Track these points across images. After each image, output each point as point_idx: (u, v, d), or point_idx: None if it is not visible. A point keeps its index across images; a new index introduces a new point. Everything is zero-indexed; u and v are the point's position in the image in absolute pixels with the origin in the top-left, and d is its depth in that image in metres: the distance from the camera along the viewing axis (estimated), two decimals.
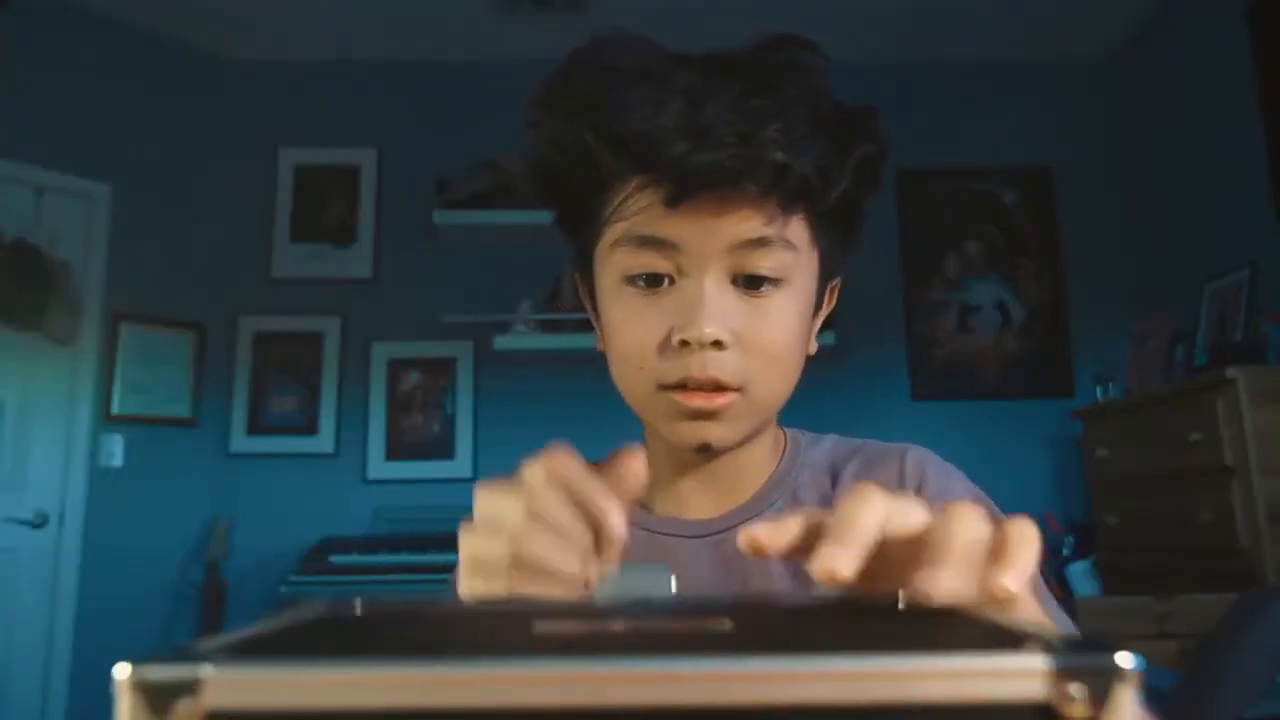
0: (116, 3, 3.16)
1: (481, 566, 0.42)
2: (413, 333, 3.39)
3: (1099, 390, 3.08)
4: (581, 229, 0.65)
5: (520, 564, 0.41)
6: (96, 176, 3.13)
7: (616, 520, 0.42)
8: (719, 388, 0.59)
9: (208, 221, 3.39)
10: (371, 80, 3.57)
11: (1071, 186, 3.57)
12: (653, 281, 0.60)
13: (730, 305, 0.58)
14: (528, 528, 0.42)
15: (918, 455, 0.71)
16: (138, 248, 3.20)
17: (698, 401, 0.59)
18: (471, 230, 3.32)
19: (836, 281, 0.71)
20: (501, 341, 3.19)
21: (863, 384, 3.38)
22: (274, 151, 3.51)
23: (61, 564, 2.94)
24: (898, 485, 0.68)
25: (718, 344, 0.57)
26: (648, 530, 0.68)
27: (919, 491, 0.68)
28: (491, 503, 0.43)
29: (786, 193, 0.57)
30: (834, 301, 0.72)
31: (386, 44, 3.49)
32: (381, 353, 3.39)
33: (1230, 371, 2.31)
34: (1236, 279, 2.78)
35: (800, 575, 0.66)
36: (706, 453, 0.63)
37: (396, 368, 3.39)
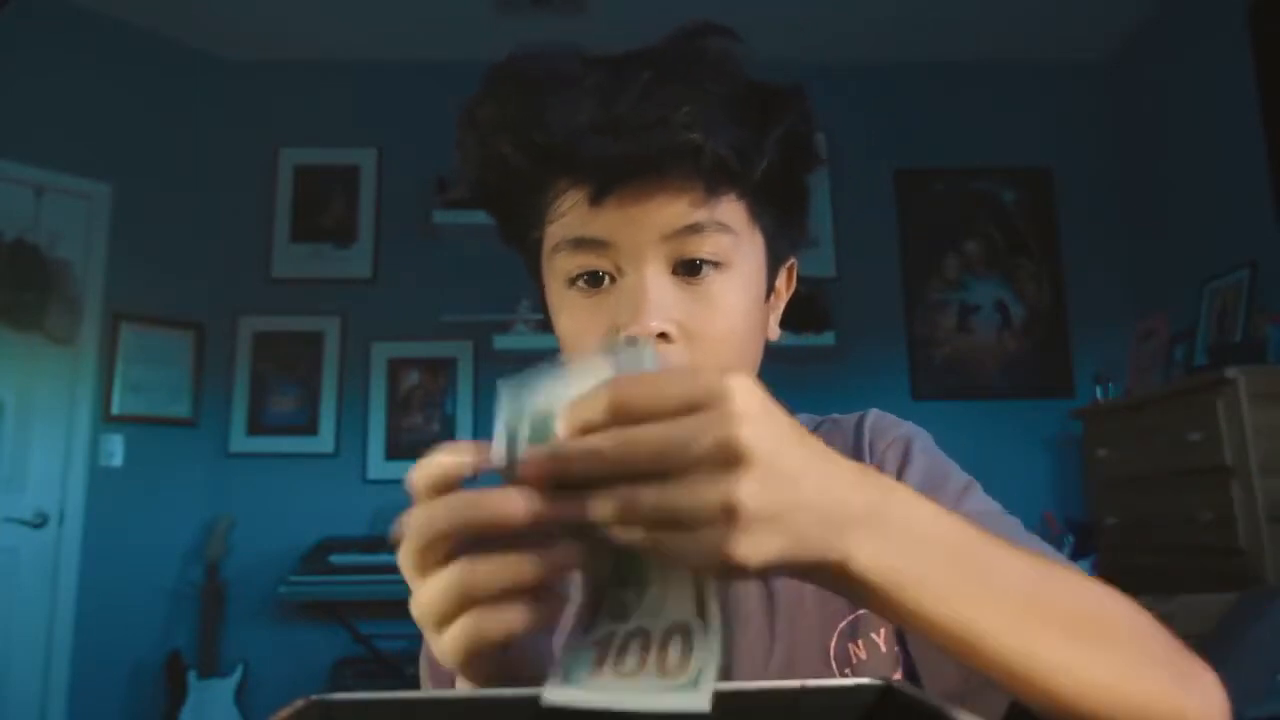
0: (116, 3, 3.16)
1: (472, 646, 0.38)
2: (412, 332, 3.39)
3: (1099, 390, 3.08)
4: (524, 239, 0.65)
5: (477, 598, 0.38)
6: (96, 176, 3.13)
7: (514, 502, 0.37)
8: None
9: (208, 221, 3.39)
10: (371, 80, 3.57)
11: (1071, 186, 3.57)
12: (593, 281, 0.60)
13: (672, 296, 0.58)
14: (464, 568, 0.38)
15: (876, 421, 0.71)
16: (137, 248, 3.20)
17: None
18: (471, 230, 3.32)
19: (792, 264, 0.70)
20: (501, 341, 3.19)
21: (863, 384, 3.38)
22: (274, 151, 3.51)
23: (61, 564, 2.94)
24: (852, 448, 0.69)
25: (663, 336, 0.57)
26: None
27: (872, 452, 0.68)
28: (404, 561, 0.40)
29: (706, 174, 0.56)
30: (793, 285, 0.71)
31: (386, 44, 3.49)
32: (381, 352, 3.39)
33: (1230, 371, 2.31)
34: (1236, 279, 2.78)
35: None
36: None
37: (396, 367, 3.39)
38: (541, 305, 0.69)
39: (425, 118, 3.53)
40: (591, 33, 3.32)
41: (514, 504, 0.36)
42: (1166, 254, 3.29)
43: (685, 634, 0.36)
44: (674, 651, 0.35)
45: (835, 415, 0.74)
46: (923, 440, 0.70)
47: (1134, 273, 3.48)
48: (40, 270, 2.99)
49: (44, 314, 2.98)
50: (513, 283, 3.26)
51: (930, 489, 0.64)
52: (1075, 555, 3.04)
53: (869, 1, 3.26)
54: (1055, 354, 3.46)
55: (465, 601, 0.38)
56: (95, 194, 3.14)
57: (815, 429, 0.72)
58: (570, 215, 0.59)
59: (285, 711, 0.32)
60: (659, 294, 0.57)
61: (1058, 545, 3.12)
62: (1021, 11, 3.32)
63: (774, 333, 0.68)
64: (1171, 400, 2.58)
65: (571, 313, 0.61)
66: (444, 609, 0.38)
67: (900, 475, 0.66)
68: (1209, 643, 1.95)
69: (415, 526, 0.39)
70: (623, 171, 0.55)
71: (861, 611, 0.64)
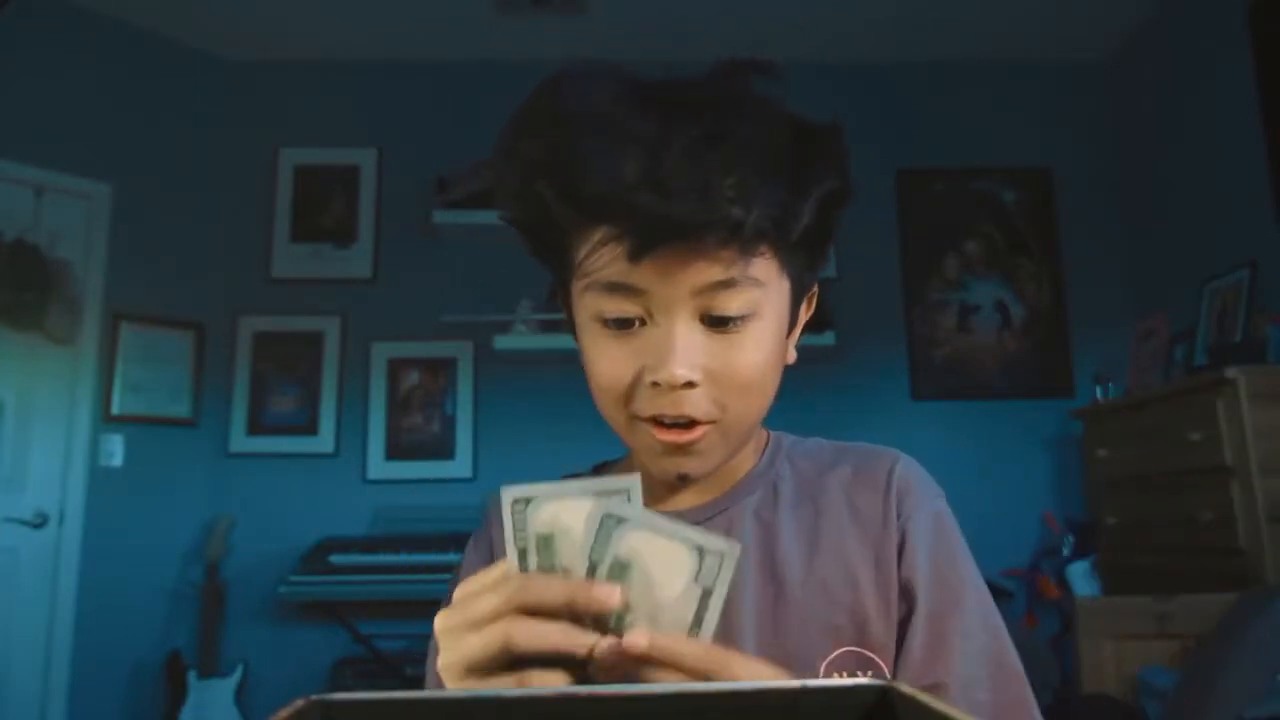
0: (116, 3, 3.16)
1: (475, 667, 0.45)
2: (412, 333, 3.39)
3: (1099, 390, 3.09)
4: (555, 262, 0.66)
5: (514, 653, 0.44)
6: (96, 176, 3.13)
7: (605, 593, 0.44)
8: (693, 423, 0.61)
9: (208, 221, 3.39)
10: (371, 80, 3.57)
11: (1071, 186, 3.57)
12: (623, 324, 0.61)
13: (700, 344, 0.60)
14: (515, 617, 0.44)
15: (906, 471, 0.71)
16: (137, 248, 3.20)
17: (671, 437, 0.61)
18: (471, 230, 3.32)
19: (814, 290, 0.71)
20: (502, 341, 3.19)
21: (863, 384, 3.38)
22: (274, 151, 3.51)
23: (61, 564, 2.94)
24: (883, 495, 0.69)
25: (689, 384, 0.59)
26: None
27: (900, 507, 0.69)
28: (471, 597, 0.46)
29: (744, 243, 0.57)
30: (812, 308, 0.72)
31: (386, 44, 3.49)
32: (381, 353, 3.39)
33: (1230, 371, 2.31)
34: (1236, 279, 2.78)
35: (775, 563, 0.68)
36: (684, 482, 0.65)
37: (396, 368, 3.39)
38: (567, 319, 0.69)
39: (425, 118, 3.54)
40: (591, 33, 3.33)
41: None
42: (1166, 254, 3.29)
43: None
44: None
45: (856, 446, 0.74)
46: (949, 519, 0.70)
47: (1134, 273, 3.48)
48: (40, 270, 2.99)
49: (44, 314, 2.99)
50: (513, 283, 3.26)
51: (934, 581, 0.66)
52: (1075, 555, 3.05)
53: (869, 1, 3.26)
54: (1055, 354, 3.46)
55: (508, 655, 0.44)
56: (95, 194, 3.14)
57: (837, 460, 0.73)
58: (606, 262, 0.59)
59: (285, 711, 0.32)
60: (687, 344, 0.59)
61: (1058, 545, 3.12)
62: (1021, 11, 3.32)
63: (791, 356, 0.69)
64: (1171, 400, 2.58)
65: (601, 350, 0.62)
66: (486, 661, 0.45)
67: (917, 544, 0.67)
68: (1209, 643, 1.95)
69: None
70: (665, 234, 0.56)
71: (848, 650, 0.65)
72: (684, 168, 0.55)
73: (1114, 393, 3.06)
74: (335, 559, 2.90)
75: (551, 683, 0.44)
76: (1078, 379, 3.40)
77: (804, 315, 0.71)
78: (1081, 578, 2.94)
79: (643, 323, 0.60)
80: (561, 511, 0.46)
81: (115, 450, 3.10)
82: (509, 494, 0.46)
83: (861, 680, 0.36)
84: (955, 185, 3.57)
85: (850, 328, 3.28)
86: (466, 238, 3.36)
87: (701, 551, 0.44)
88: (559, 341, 3.13)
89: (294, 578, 2.89)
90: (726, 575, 0.44)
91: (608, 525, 0.44)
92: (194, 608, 3.11)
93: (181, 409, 3.27)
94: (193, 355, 3.31)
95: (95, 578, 2.99)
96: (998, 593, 3.02)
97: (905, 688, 0.34)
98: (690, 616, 0.45)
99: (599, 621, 0.45)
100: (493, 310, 3.27)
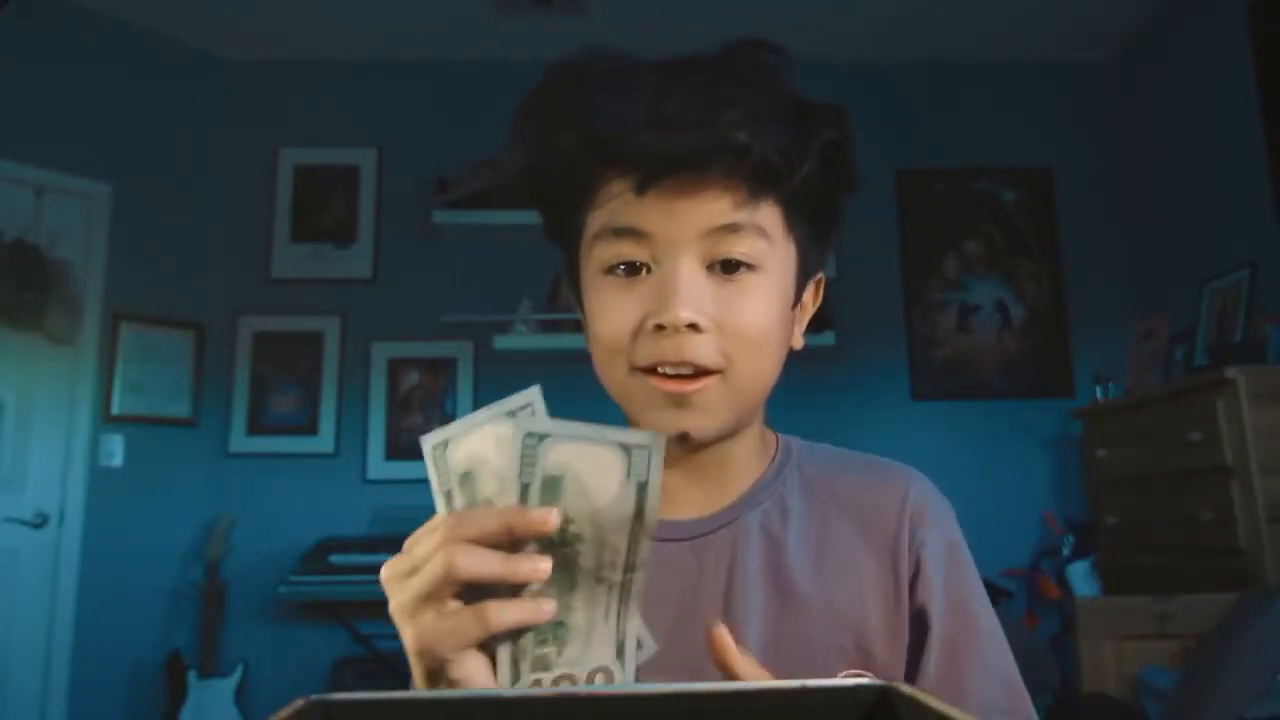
0: (116, 3, 3.16)
1: (425, 599, 0.45)
2: (412, 333, 3.39)
3: (1099, 390, 3.08)
4: (567, 229, 0.66)
5: (460, 580, 0.44)
6: (96, 176, 3.13)
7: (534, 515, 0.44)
8: (695, 374, 0.60)
9: (208, 221, 3.39)
10: (371, 80, 3.57)
11: (1071, 186, 3.57)
12: (631, 270, 0.61)
13: (706, 290, 0.59)
14: (455, 544, 0.44)
15: (919, 493, 0.70)
16: (137, 248, 3.20)
17: (671, 386, 0.60)
18: (471, 230, 3.32)
19: (820, 278, 0.71)
20: (502, 341, 3.19)
21: (863, 384, 3.38)
22: (274, 151, 3.51)
23: (61, 564, 2.94)
24: (897, 513, 0.68)
25: (693, 327, 0.58)
26: None
27: (914, 531, 0.68)
28: (412, 544, 0.47)
29: (750, 174, 0.58)
30: (819, 299, 0.72)
31: (387, 44, 3.49)
32: (381, 353, 3.39)
33: (1230, 371, 2.31)
34: (1236, 279, 2.78)
35: (780, 579, 0.66)
36: (685, 443, 0.63)
37: (396, 368, 3.39)
38: (575, 299, 0.70)
39: (425, 118, 3.54)
40: (592, 33, 3.32)
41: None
42: (1166, 254, 3.29)
43: (607, 673, 0.46)
44: (600, 680, 0.45)
45: (867, 459, 0.73)
46: (962, 543, 0.70)
47: (1134, 273, 3.48)
48: (40, 270, 2.99)
49: (44, 314, 2.98)
50: (513, 283, 3.27)
51: (950, 608, 0.66)
52: (1075, 555, 3.05)
53: (869, 1, 3.26)
54: (1055, 354, 3.46)
55: (451, 583, 0.44)
56: (95, 194, 3.14)
57: (848, 474, 0.71)
58: (614, 204, 0.60)
59: (285, 711, 0.32)
60: (692, 286, 0.59)
61: (1058, 545, 3.12)
62: (1021, 11, 3.32)
63: (798, 342, 0.69)
64: (1171, 400, 2.58)
65: (605, 299, 0.62)
66: (432, 587, 0.44)
67: (933, 572, 0.67)
68: (1209, 643, 1.95)
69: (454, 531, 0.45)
70: (668, 165, 0.57)
71: (853, 672, 0.65)
72: (689, 105, 0.56)
73: (1114, 393, 3.06)
74: (335, 559, 2.90)
75: (510, 613, 0.44)
76: (1078, 379, 3.40)
77: (810, 302, 0.71)
78: (1081, 578, 2.94)
79: (648, 270, 0.60)
80: (476, 445, 0.45)
81: (115, 450, 3.10)
82: (427, 442, 0.46)
83: (862, 680, 0.36)
84: (955, 185, 3.57)
85: (850, 328, 3.28)
86: (466, 238, 3.36)
87: (627, 448, 0.44)
88: (559, 341, 3.13)
89: (294, 578, 2.89)
90: (657, 463, 0.44)
91: (530, 444, 0.43)
92: (194, 608, 3.11)
93: (181, 409, 3.27)
94: (193, 355, 3.31)
95: (95, 578, 2.99)
96: (997, 593, 3.02)
97: (905, 688, 0.34)
98: (630, 510, 0.45)
99: (545, 542, 0.44)
100: (493, 310, 3.27)
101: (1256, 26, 2.76)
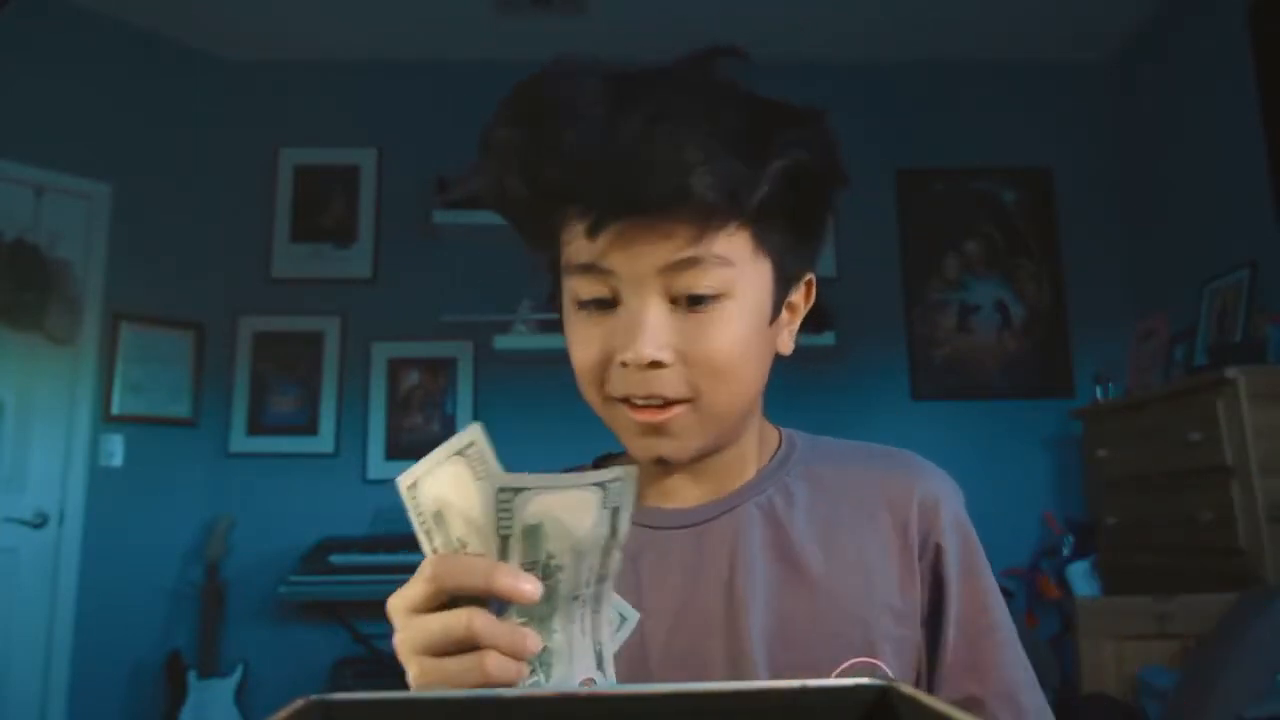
0: (116, 3, 3.16)
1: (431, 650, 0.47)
2: (413, 333, 3.39)
3: (1099, 390, 3.08)
4: (545, 254, 0.67)
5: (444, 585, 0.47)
6: (96, 176, 3.13)
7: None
8: (666, 404, 0.61)
9: (208, 221, 3.39)
10: (371, 80, 3.57)
11: (1071, 186, 3.57)
12: (601, 305, 0.61)
13: (669, 324, 0.60)
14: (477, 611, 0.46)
15: (928, 479, 0.70)
16: (137, 248, 3.20)
17: (644, 416, 0.61)
18: (471, 230, 3.32)
19: (810, 278, 0.70)
20: (502, 341, 3.19)
21: (863, 384, 3.38)
22: (274, 151, 3.51)
23: (61, 564, 2.94)
24: (906, 500, 0.68)
25: (656, 364, 0.59)
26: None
27: (925, 518, 0.68)
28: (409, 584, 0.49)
29: (698, 214, 0.57)
30: (812, 298, 0.71)
31: (386, 44, 3.49)
32: (381, 353, 3.39)
33: (1230, 371, 2.31)
34: (1236, 279, 2.78)
35: (785, 561, 0.67)
36: (664, 466, 0.65)
37: (396, 367, 3.39)
38: (557, 304, 0.70)
39: (425, 118, 3.54)
40: (591, 33, 3.33)
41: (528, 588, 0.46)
42: (1166, 254, 3.29)
43: (591, 684, 0.48)
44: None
45: (873, 448, 0.73)
46: (970, 526, 0.71)
47: (1134, 273, 3.48)
48: (40, 270, 2.99)
49: (44, 314, 2.98)
50: (513, 283, 3.26)
51: (967, 594, 0.67)
52: (1075, 555, 3.05)
53: (869, 1, 3.26)
54: (1055, 354, 3.46)
55: (469, 644, 0.46)
56: (95, 194, 3.14)
57: (855, 462, 0.71)
58: (575, 244, 0.61)
59: (285, 711, 0.32)
60: (656, 323, 0.59)
61: (1058, 545, 3.12)
62: (1021, 11, 3.32)
63: (786, 347, 0.69)
64: (1171, 400, 2.58)
65: (576, 333, 0.63)
66: (448, 645, 0.47)
67: (948, 560, 0.67)
68: (1209, 643, 1.95)
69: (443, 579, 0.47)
70: (617, 208, 0.57)
71: (861, 660, 0.64)
72: (633, 146, 0.56)
73: (1114, 393, 3.06)
74: (335, 559, 2.90)
75: (510, 669, 0.45)
76: (1078, 379, 3.40)
77: (801, 304, 0.70)
78: (1081, 578, 2.94)
79: (615, 304, 0.61)
80: (436, 487, 0.47)
81: (115, 450, 3.10)
82: (400, 483, 0.48)
83: (861, 680, 0.36)
84: (955, 185, 3.57)
85: (850, 328, 3.28)
86: (466, 238, 3.36)
87: (603, 485, 0.46)
88: (559, 341, 3.09)
89: (294, 578, 2.89)
90: (631, 488, 0.47)
91: (505, 499, 0.44)
92: (194, 608, 3.11)
93: (181, 409, 3.27)
94: (193, 355, 3.31)
95: (95, 578, 2.99)
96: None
97: (905, 687, 0.34)
98: (606, 532, 0.47)
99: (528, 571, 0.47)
100: (493, 310, 3.27)
101: (1256, 26, 2.76)
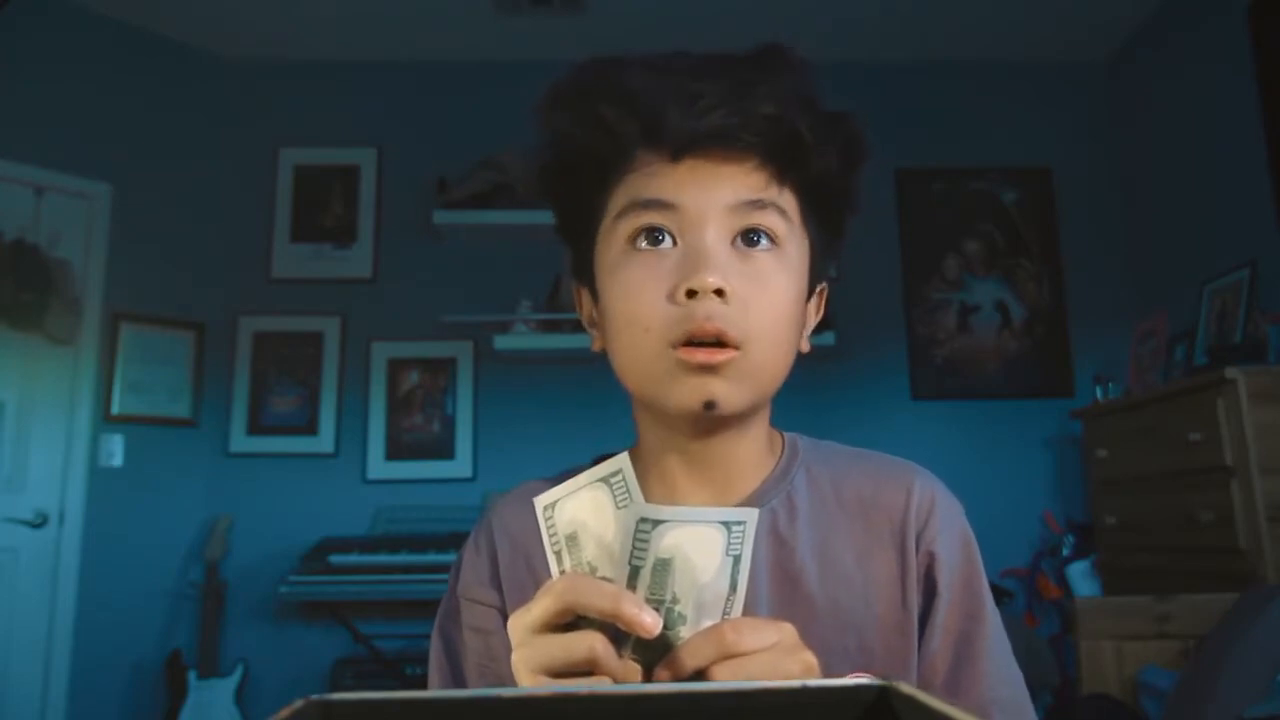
0: (116, 3, 3.16)
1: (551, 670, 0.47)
2: (412, 333, 3.39)
3: (1099, 390, 3.08)
4: (586, 215, 0.67)
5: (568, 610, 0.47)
6: (96, 176, 3.13)
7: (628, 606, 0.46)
8: (721, 345, 0.61)
9: (208, 221, 3.39)
10: (371, 80, 3.57)
11: (1071, 186, 3.57)
12: (655, 241, 0.62)
13: (730, 262, 0.61)
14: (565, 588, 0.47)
15: (927, 490, 0.70)
16: (137, 248, 3.20)
17: (701, 356, 0.60)
18: (471, 230, 3.32)
19: (823, 286, 0.72)
20: (501, 341, 3.19)
21: (863, 384, 3.38)
22: (274, 151, 3.51)
23: (61, 564, 2.94)
24: (903, 511, 0.68)
25: (720, 293, 0.60)
26: None
27: (923, 529, 0.68)
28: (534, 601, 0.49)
29: (778, 149, 0.61)
30: (822, 309, 0.73)
31: (386, 44, 3.49)
32: (381, 353, 3.39)
33: (1230, 371, 2.31)
34: (1236, 279, 2.78)
35: (787, 580, 0.66)
36: (710, 410, 0.62)
37: (396, 368, 3.39)
38: (581, 296, 0.71)
39: (425, 118, 3.54)
40: (591, 33, 3.33)
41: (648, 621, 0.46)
42: (1166, 254, 3.29)
43: None
44: None
45: (874, 456, 0.74)
46: (972, 540, 0.71)
47: (1134, 273, 3.48)
48: (40, 270, 2.99)
49: (44, 314, 2.98)
50: (513, 283, 3.27)
51: (961, 602, 0.67)
52: (1075, 555, 3.05)
53: (869, 1, 3.26)
54: (1055, 354, 3.46)
55: (587, 668, 0.47)
56: (95, 194, 3.14)
57: (855, 472, 0.72)
58: (642, 179, 0.62)
59: (285, 711, 0.32)
60: (720, 256, 0.61)
61: (1058, 545, 3.12)
62: (1021, 11, 3.32)
63: (804, 345, 0.70)
64: (1171, 400, 2.58)
65: (631, 274, 0.63)
66: (567, 666, 0.47)
67: (943, 569, 0.67)
68: (1209, 643, 1.95)
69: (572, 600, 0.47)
70: (702, 136, 0.60)
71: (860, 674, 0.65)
72: (721, 84, 0.60)
73: (1114, 393, 3.06)
74: (335, 559, 2.90)
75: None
76: (1078, 379, 3.40)
77: (815, 312, 0.72)
78: (1081, 578, 2.94)
79: (674, 242, 0.62)
80: (576, 510, 0.48)
81: (115, 450, 3.10)
82: (539, 502, 0.49)
83: (861, 680, 0.36)
84: (955, 185, 3.57)
85: (850, 328, 3.28)
86: (466, 238, 3.37)
87: (728, 525, 0.47)
88: (559, 341, 3.13)
89: (294, 578, 2.89)
90: (750, 536, 0.48)
91: (644, 529, 0.46)
92: (194, 608, 3.11)
93: (181, 409, 3.27)
94: (193, 355, 3.31)
95: (95, 578, 2.99)
96: (998, 593, 3.01)
97: (905, 687, 0.34)
98: (726, 584, 0.48)
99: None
100: (493, 310, 3.27)
101: (1256, 26, 2.76)
